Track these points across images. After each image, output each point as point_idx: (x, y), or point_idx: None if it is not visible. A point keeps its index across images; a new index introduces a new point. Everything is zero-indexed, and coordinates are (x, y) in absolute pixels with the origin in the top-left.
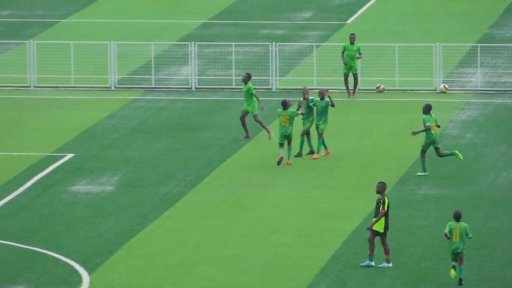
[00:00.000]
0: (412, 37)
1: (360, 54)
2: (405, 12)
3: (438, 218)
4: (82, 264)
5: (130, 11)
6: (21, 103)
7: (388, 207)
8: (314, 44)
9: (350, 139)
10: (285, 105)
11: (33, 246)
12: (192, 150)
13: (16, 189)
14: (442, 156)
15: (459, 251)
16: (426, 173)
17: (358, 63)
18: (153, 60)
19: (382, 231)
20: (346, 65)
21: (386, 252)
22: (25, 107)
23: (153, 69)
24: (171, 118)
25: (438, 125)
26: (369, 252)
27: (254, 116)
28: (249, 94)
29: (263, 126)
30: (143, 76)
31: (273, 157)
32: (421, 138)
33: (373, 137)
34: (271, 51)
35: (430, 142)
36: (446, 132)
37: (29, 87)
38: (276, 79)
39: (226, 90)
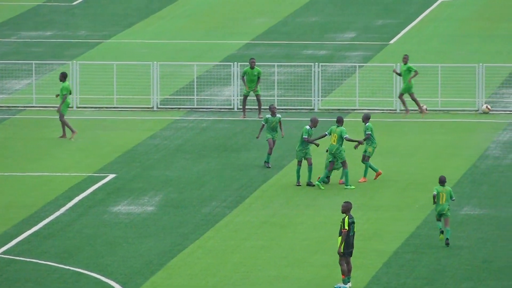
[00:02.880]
0: (455, 58)
1: (259, 78)
2: (448, 33)
3: (481, 239)
4: (123, 284)
5: (173, 32)
6: None
7: (349, 226)
8: (357, 64)
9: (392, 160)
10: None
11: (74, 267)
12: (233, 171)
13: (58, 209)
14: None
15: (444, 212)
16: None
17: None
18: (195, 80)
19: (342, 251)
20: (247, 90)
21: (343, 272)
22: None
23: (195, 90)
24: (213, 139)
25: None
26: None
27: (61, 115)
28: (63, 94)
29: (66, 126)
30: (186, 97)
31: (314, 177)
32: (463, 158)
33: (415, 158)
34: (314, 71)
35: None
36: (488, 153)
37: (72, 107)
38: (318, 100)
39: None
